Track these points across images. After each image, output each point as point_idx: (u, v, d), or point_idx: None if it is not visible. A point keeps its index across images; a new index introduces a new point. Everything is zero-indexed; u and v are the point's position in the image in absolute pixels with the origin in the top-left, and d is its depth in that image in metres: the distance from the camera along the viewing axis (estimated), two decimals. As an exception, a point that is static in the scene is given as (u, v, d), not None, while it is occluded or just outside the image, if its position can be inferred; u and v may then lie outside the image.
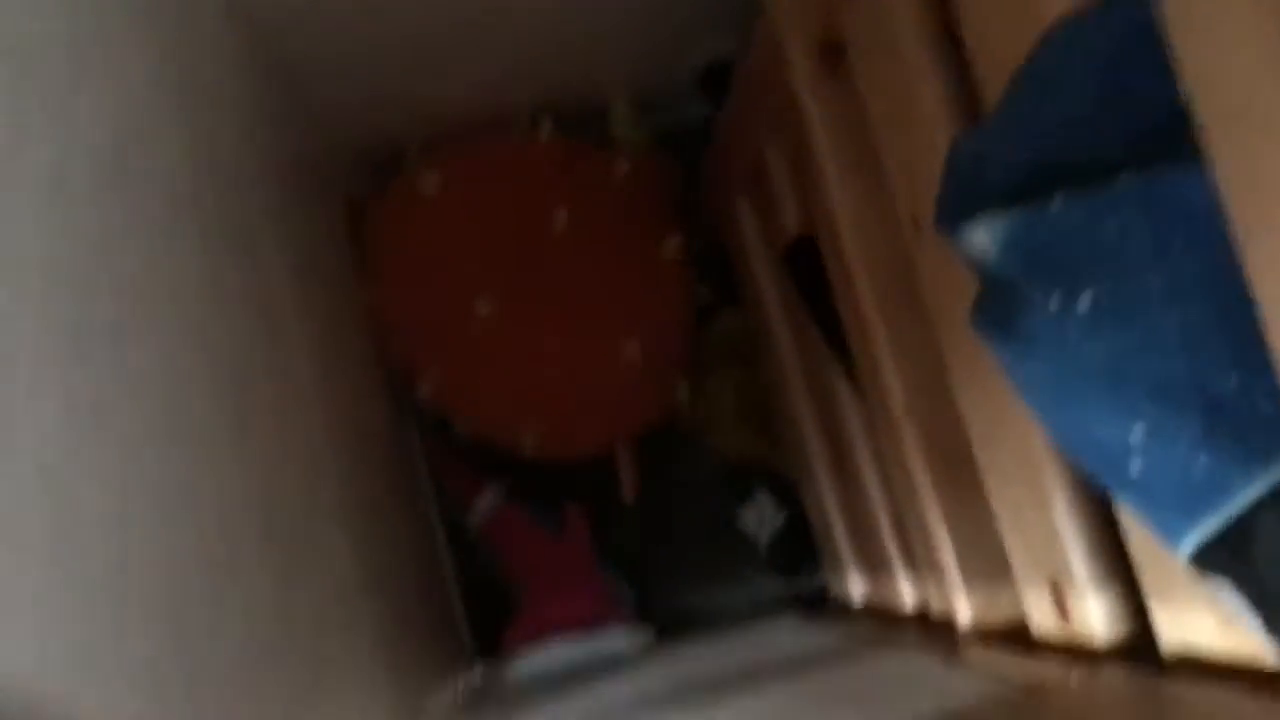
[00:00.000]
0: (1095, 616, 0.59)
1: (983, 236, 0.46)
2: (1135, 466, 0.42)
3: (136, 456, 0.46)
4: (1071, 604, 0.60)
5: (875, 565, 0.97)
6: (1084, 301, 0.43)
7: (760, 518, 1.23)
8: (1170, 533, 0.43)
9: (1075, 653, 0.60)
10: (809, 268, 0.89)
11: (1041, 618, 0.64)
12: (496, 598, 1.22)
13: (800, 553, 1.19)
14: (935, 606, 0.82)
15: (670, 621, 1.21)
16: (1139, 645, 0.57)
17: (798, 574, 1.20)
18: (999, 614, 0.72)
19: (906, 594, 0.90)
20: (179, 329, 0.56)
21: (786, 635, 1.06)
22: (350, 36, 0.97)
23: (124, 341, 0.47)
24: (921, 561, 0.83)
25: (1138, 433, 0.42)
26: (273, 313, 0.76)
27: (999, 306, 0.46)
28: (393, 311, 1.17)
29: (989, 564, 0.71)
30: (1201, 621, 0.50)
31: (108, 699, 0.38)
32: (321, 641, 0.68)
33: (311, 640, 0.65)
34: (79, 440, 0.41)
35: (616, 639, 1.18)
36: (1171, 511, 0.42)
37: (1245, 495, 0.41)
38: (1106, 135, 0.44)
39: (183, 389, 0.54)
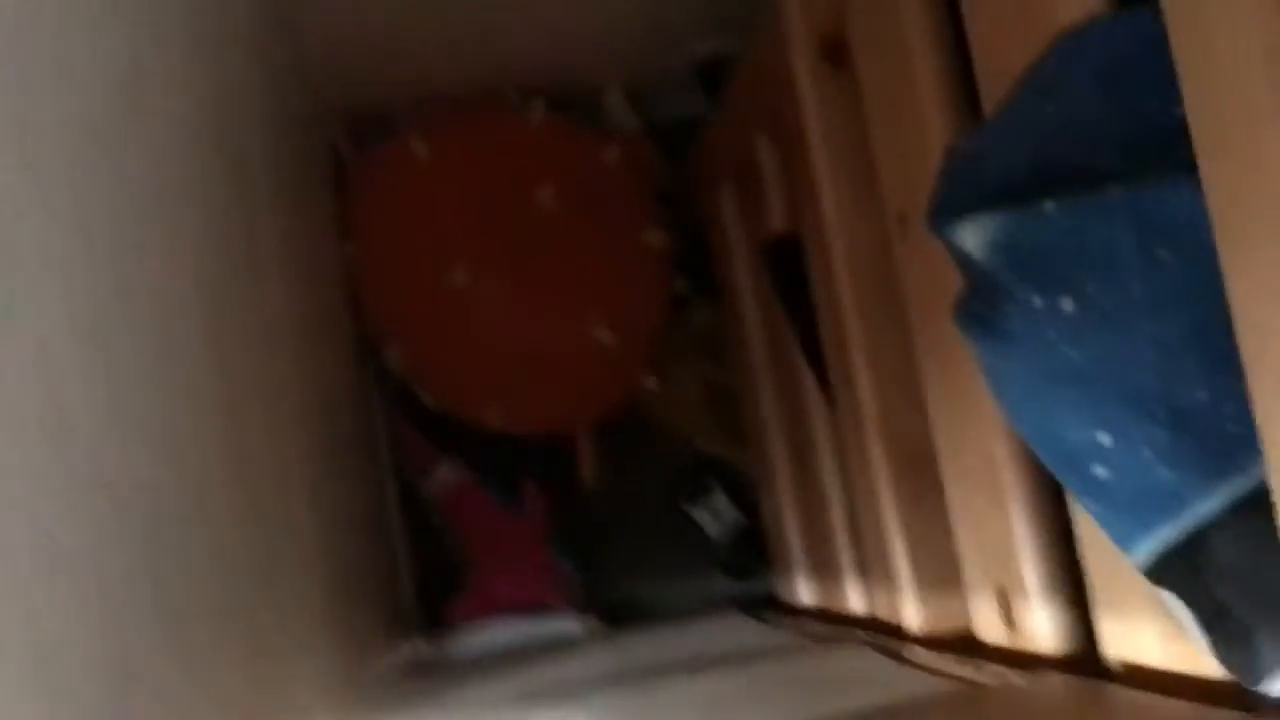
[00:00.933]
0: (1042, 627, 0.59)
1: (972, 235, 0.47)
2: (1099, 470, 0.43)
3: (132, 367, 0.46)
4: (1019, 613, 0.61)
5: (826, 571, 0.98)
6: (1066, 305, 0.43)
7: (715, 516, 1.24)
8: (1127, 539, 0.43)
9: (1020, 661, 0.61)
10: (790, 268, 0.90)
11: (989, 627, 0.65)
12: (445, 570, 1.22)
13: (752, 555, 1.19)
14: (883, 614, 0.82)
15: (615, 610, 1.21)
16: (1083, 659, 0.57)
17: (748, 577, 1.20)
18: (947, 623, 0.72)
19: (855, 601, 0.90)
20: (174, 256, 0.56)
21: (731, 631, 1.06)
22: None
23: (124, 259, 0.47)
24: (873, 568, 0.84)
25: (1104, 437, 0.43)
26: (258, 253, 0.76)
27: (983, 304, 0.47)
28: (369, 273, 1.16)
29: (941, 571, 0.71)
30: (1147, 636, 0.51)
31: (79, 602, 0.38)
32: (275, 595, 0.67)
33: (266, 592, 0.65)
34: (80, 348, 0.41)
35: (561, 623, 1.18)
36: (1130, 517, 0.43)
37: (1202, 508, 0.42)
38: (1104, 144, 0.44)
39: (175, 311, 0.54)
